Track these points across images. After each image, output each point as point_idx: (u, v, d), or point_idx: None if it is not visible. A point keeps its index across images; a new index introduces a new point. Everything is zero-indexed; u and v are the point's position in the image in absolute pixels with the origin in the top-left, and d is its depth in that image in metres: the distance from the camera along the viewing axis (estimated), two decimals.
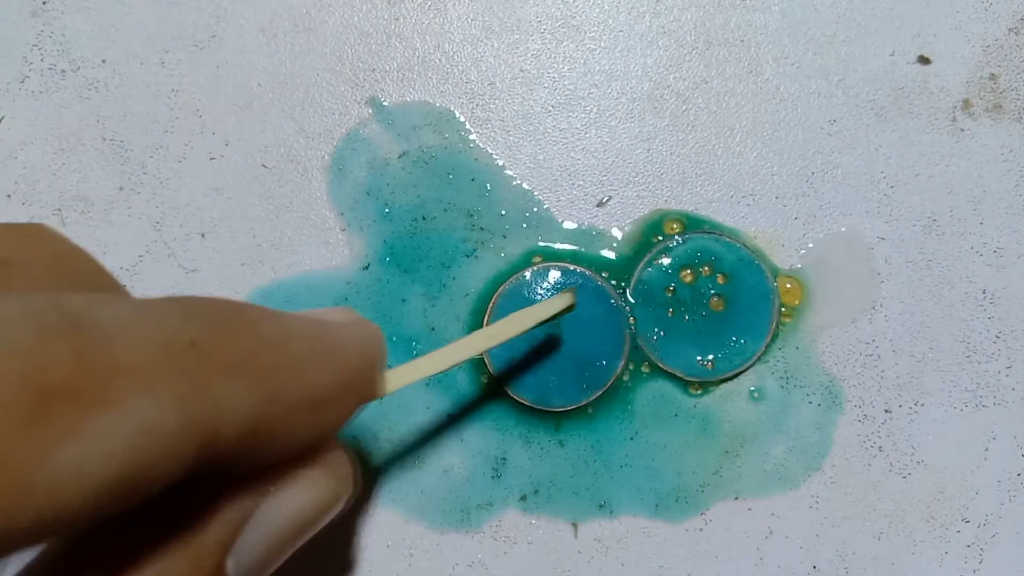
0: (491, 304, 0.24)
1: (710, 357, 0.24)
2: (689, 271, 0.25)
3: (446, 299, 0.25)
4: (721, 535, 0.24)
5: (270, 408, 0.13)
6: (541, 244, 0.25)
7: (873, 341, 0.25)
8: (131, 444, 0.11)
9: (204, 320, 0.12)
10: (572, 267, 0.25)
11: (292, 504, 0.15)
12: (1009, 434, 0.25)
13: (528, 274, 0.25)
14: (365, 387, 0.16)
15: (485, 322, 0.25)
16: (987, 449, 0.25)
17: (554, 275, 0.25)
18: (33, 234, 0.14)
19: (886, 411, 0.25)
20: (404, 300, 0.25)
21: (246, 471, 0.14)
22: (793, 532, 0.24)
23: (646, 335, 0.25)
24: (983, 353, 0.25)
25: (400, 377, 0.18)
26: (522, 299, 0.24)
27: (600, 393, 0.24)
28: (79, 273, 0.14)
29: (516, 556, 0.24)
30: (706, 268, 0.25)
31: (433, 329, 0.25)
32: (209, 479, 0.14)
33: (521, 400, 0.24)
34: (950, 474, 0.24)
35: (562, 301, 0.22)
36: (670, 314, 0.25)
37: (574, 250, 0.25)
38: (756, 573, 0.24)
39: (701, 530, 0.24)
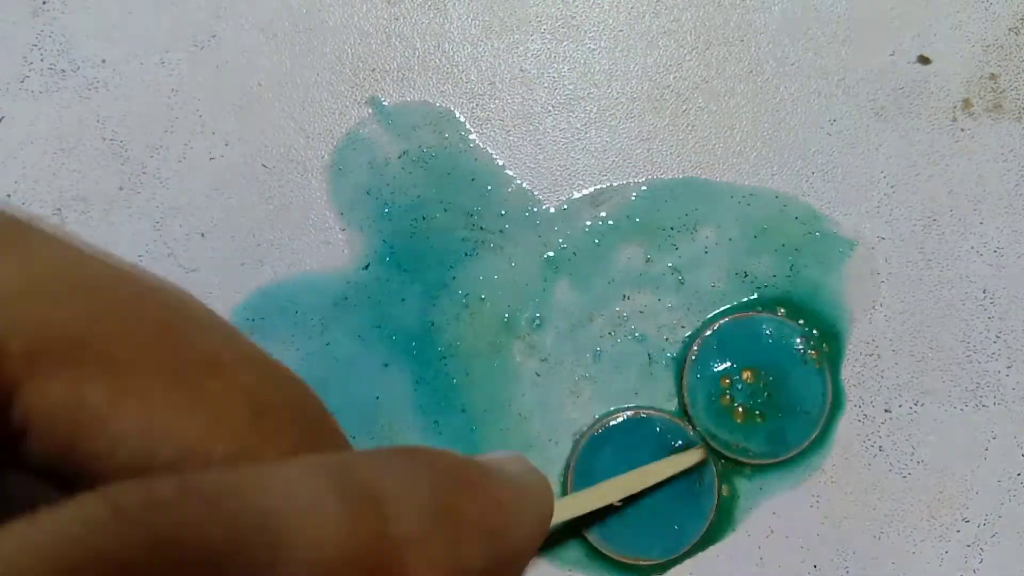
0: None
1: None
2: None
3: (446, 298, 0.25)
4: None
5: (495, 565, 0.13)
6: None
7: (873, 341, 0.25)
8: None
9: (451, 484, 0.13)
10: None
11: None
12: (1009, 434, 0.25)
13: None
14: (545, 534, 0.17)
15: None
16: (987, 449, 0.25)
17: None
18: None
19: (886, 411, 0.25)
20: (404, 300, 0.25)
21: None
22: (793, 532, 0.24)
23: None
24: (983, 353, 0.25)
25: (558, 514, 0.20)
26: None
27: None
28: (314, 413, 0.14)
29: None
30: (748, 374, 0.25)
31: (433, 326, 0.25)
32: None
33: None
34: (950, 474, 0.24)
35: (696, 455, 0.23)
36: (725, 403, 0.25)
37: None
38: (756, 573, 0.24)
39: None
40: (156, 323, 0.12)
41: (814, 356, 0.24)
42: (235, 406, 0.12)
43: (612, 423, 0.24)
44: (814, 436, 0.24)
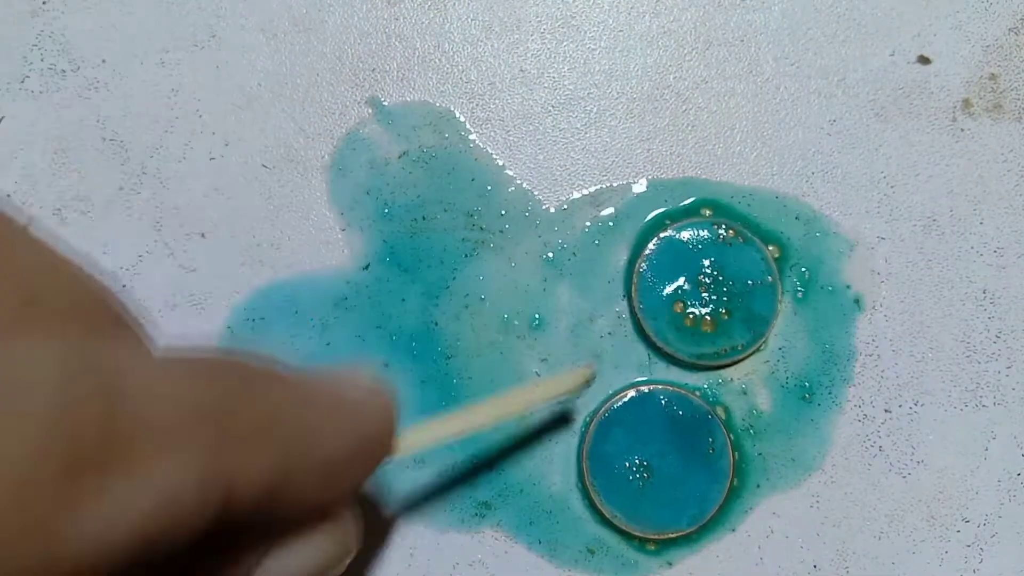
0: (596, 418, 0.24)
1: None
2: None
3: (446, 298, 0.25)
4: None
5: (283, 475, 0.13)
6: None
7: (873, 341, 0.25)
8: (154, 506, 0.11)
9: (225, 387, 0.13)
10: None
11: (299, 560, 0.15)
12: (1009, 434, 0.25)
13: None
14: (378, 454, 0.17)
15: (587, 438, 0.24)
16: (987, 449, 0.25)
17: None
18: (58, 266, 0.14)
19: (886, 411, 0.25)
20: (404, 300, 0.25)
21: (261, 527, 0.15)
22: (793, 532, 0.24)
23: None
24: (983, 353, 0.25)
25: (411, 442, 0.19)
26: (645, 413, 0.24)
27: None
28: (99, 308, 0.14)
29: (516, 556, 0.24)
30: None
31: (433, 326, 0.25)
32: (220, 535, 0.14)
33: None
34: (950, 474, 0.24)
35: (581, 375, 0.22)
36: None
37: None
38: (756, 573, 0.24)
39: (702, 529, 0.24)
40: None
41: (732, 235, 0.25)
42: (4, 293, 0.12)
43: (617, 404, 0.24)
44: (779, 299, 0.25)
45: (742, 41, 0.26)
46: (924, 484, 0.24)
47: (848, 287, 0.25)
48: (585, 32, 0.26)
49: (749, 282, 0.24)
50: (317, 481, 0.14)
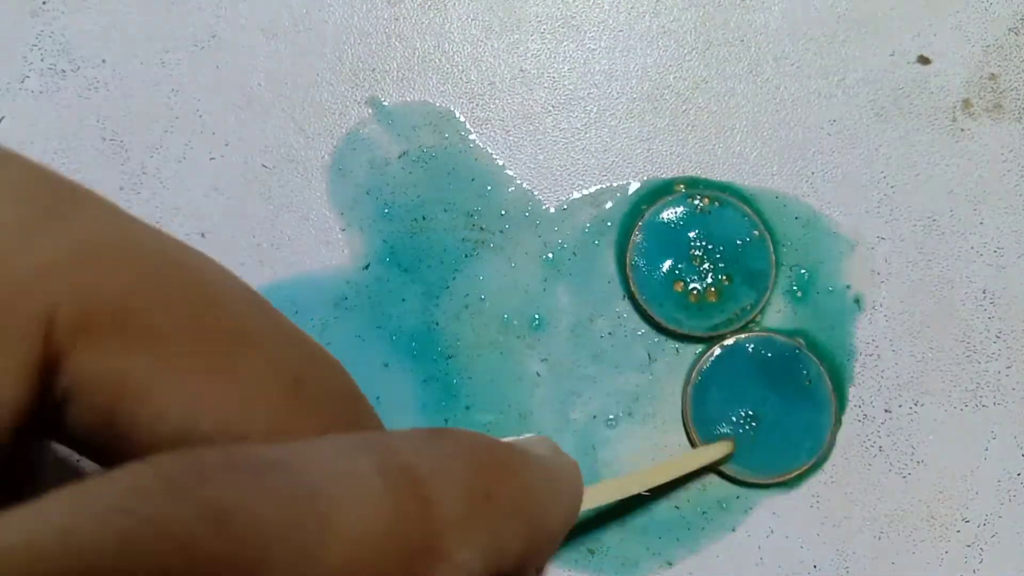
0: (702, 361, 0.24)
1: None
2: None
3: (446, 298, 0.25)
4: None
5: (532, 547, 0.13)
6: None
7: (873, 341, 0.25)
8: None
9: (487, 466, 0.12)
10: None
11: None
12: (1009, 434, 0.25)
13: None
14: (576, 515, 0.17)
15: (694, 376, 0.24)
16: (987, 449, 0.25)
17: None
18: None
19: (886, 411, 0.25)
20: (404, 300, 0.25)
21: None
22: (793, 532, 0.24)
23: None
24: (983, 353, 0.25)
25: (590, 500, 0.20)
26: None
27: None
28: (348, 392, 0.14)
29: None
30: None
31: (434, 326, 0.25)
32: None
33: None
34: (950, 474, 0.24)
35: (723, 448, 0.24)
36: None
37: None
38: (756, 573, 0.24)
39: (703, 529, 0.24)
40: (196, 294, 0.12)
41: (708, 202, 0.25)
42: (271, 380, 0.12)
43: (706, 366, 0.24)
44: (771, 249, 0.25)
45: (742, 41, 0.26)
46: (924, 484, 0.24)
47: (848, 287, 0.25)
48: (585, 32, 0.26)
49: (738, 242, 0.25)
50: (546, 552, 0.15)
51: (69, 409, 0.11)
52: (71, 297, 0.11)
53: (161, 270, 0.12)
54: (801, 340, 0.25)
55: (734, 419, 0.24)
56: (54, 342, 0.11)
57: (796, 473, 0.24)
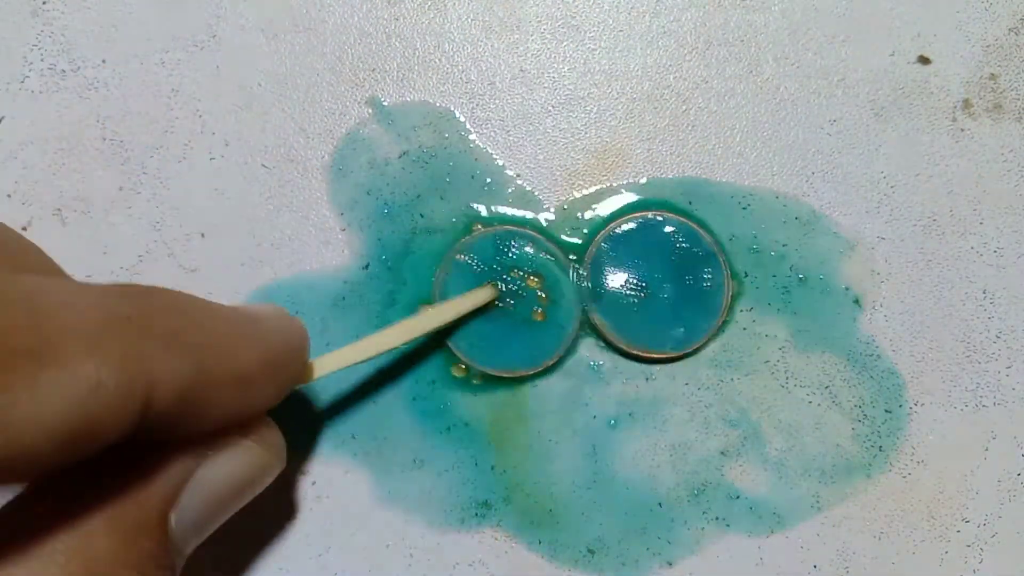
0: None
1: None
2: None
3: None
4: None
5: (199, 380, 0.15)
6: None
7: (873, 341, 0.25)
8: (78, 397, 0.12)
9: (139, 299, 0.14)
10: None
11: (228, 468, 0.17)
12: (1009, 434, 0.25)
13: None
14: (290, 371, 0.19)
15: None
16: (987, 449, 0.25)
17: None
18: None
19: (886, 411, 0.25)
20: (404, 299, 0.25)
21: (186, 436, 0.16)
22: (793, 532, 0.24)
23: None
24: (983, 353, 0.25)
25: (324, 365, 0.20)
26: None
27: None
28: (30, 261, 0.17)
29: (516, 556, 0.24)
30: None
31: None
32: (154, 444, 0.16)
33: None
34: (950, 474, 0.24)
35: (485, 294, 0.24)
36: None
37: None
38: (756, 573, 0.24)
39: (703, 529, 0.24)
40: None
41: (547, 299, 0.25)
42: None
43: (622, 228, 0.25)
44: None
45: (742, 41, 0.26)
46: (924, 484, 0.24)
47: (848, 287, 0.25)
48: (585, 32, 0.26)
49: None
50: (232, 391, 0.16)
51: None
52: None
53: None
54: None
55: (626, 280, 0.25)
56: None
57: (656, 356, 0.24)
